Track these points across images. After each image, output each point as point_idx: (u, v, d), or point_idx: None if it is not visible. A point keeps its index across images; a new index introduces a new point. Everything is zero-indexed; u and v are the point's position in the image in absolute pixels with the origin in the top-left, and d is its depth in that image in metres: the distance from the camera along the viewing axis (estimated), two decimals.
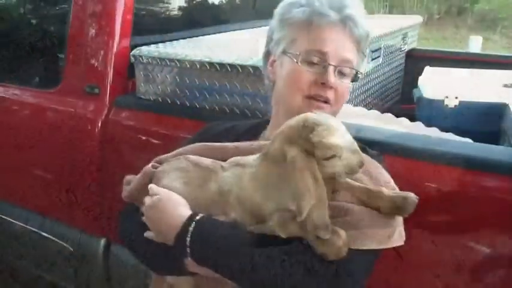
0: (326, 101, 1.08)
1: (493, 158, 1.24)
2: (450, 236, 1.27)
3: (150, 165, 1.11)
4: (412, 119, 1.95)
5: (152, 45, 1.78)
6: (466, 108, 2.41)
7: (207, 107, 1.65)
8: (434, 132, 1.69)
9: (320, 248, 0.87)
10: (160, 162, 1.12)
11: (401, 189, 1.01)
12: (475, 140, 1.53)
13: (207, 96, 1.64)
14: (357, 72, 1.11)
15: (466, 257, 1.25)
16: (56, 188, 1.95)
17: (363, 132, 1.36)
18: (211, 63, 1.60)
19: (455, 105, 2.42)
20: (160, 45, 1.81)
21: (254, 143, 1.08)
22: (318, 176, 0.86)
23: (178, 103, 1.71)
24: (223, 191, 0.98)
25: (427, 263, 1.30)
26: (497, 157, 1.25)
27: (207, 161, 1.04)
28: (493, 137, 2.25)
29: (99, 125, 1.78)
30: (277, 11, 1.14)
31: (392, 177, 1.06)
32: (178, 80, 1.68)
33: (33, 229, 2.05)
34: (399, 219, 0.96)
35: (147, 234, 1.04)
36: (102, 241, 1.90)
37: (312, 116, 0.90)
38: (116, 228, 1.23)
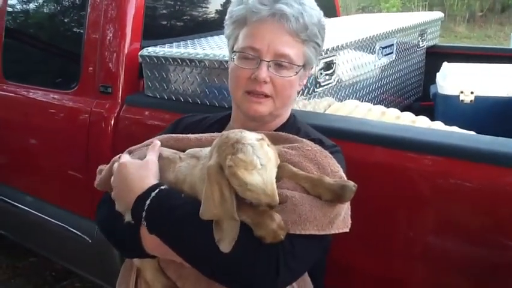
0: (265, 95, 1.10)
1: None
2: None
3: (118, 155, 1.16)
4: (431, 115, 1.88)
5: (158, 46, 1.87)
6: (483, 104, 2.36)
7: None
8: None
9: (257, 231, 0.90)
10: (130, 153, 1.17)
11: None
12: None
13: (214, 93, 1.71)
14: (304, 65, 1.13)
15: None
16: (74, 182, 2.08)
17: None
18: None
19: (471, 101, 2.37)
20: (167, 45, 1.90)
21: (215, 135, 1.10)
22: (226, 194, 0.89)
23: (182, 100, 1.79)
24: (179, 180, 1.03)
25: None
26: None
27: (167, 152, 1.10)
28: None
29: (112, 122, 1.89)
30: (228, 8, 1.17)
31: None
32: (181, 78, 1.76)
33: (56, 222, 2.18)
34: (343, 206, 0.98)
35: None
36: None
37: (247, 141, 0.89)
38: None
